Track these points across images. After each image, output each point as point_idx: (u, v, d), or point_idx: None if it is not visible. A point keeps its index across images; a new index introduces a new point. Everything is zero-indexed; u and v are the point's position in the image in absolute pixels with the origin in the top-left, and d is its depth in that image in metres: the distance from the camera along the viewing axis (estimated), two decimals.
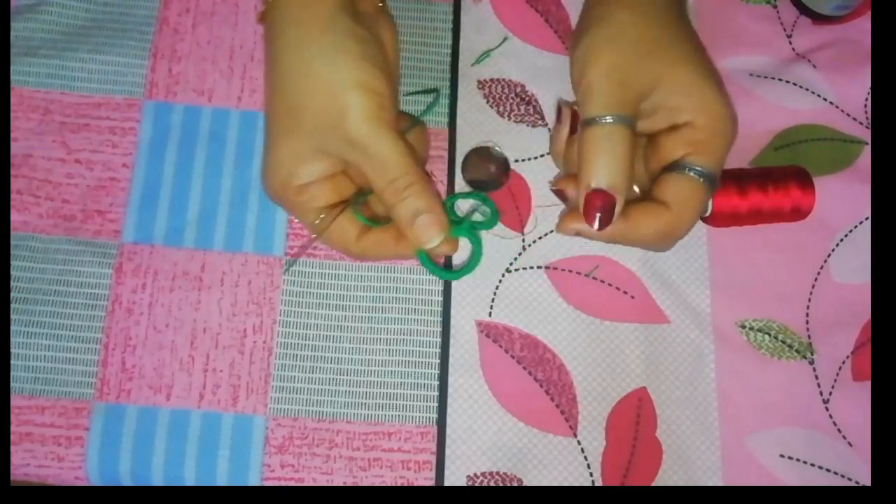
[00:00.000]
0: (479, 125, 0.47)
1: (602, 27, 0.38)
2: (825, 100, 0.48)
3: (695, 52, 0.39)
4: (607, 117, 0.37)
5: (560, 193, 0.42)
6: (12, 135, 0.45)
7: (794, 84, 0.48)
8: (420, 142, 0.42)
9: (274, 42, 0.39)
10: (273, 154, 0.39)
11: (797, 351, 0.45)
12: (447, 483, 0.42)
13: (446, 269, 0.44)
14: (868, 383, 0.44)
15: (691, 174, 0.37)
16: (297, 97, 0.38)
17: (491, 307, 0.44)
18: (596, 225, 0.37)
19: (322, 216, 0.40)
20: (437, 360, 0.44)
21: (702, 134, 0.38)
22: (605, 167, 0.36)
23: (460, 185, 0.46)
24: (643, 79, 0.37)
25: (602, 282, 0.45)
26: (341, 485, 0.42)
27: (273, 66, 0.39)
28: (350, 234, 0.40)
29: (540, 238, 0.45)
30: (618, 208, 0.37)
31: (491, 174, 0.46)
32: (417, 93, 0.46)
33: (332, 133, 0.37)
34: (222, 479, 0.41)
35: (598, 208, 0.36)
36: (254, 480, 0.41)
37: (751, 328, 0.45)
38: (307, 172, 0.39)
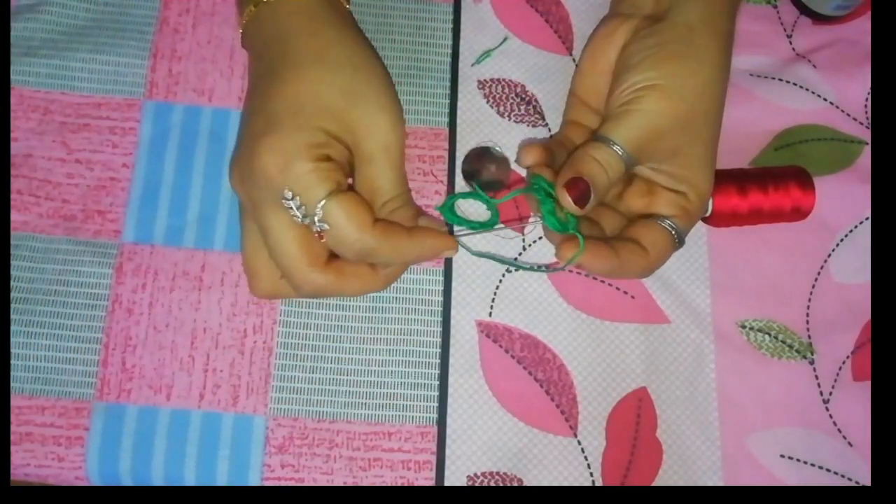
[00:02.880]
0: (479, 125, 0.47)
1: (676, 73, 0.39)
2: (825, 100, 0.48)
3: (716, 133, 0.41)
4: (619, 149, 0.39)
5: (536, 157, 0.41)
6: (13, 135, 0.45)
7: (795, 84, 0.49)
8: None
9: (322, 32, 0.40)
10: (301, 112, 0.37)
11: (797, 351, 0.45)
12: (447, 483, 0.42)
13: (472, 221, 0.42)
14: (868, 383, 0.44)
15: (672, 231, 0.40)
16: (367, 72, 0.39)
17: (491, 307, 0.44)
18: (573, 205, 0.38)
19: (329, 194, 0.36)
20: (438, 360, 0.44)
21: (691, 206, 0.41)
22: (594, 170, 0.39)
23: (460, 184, 0.46)
24: (667, 145, 0.39)
25: (602, 282, 0.45)
26: (341, 485, 0.42)
27: (332, 47, 0.39)
28: (368, 215, 0.37)
29: (540, 238, 0.45)
30: (590, 205, 0.38)
31: (491, 174, 0.46)
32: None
33: (370, 128, 0.38)
34: (222, 479, 0.41)
35: (579, 190, 0.38)
36: (254, 480, 0.41)
37: (751, 328, 0.45)
38: (336, 148, 0.38)
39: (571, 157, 0.39)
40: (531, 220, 0.44)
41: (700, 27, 0.40)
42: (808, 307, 0.45)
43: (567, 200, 0.38)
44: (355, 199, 0.37)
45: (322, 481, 0.42)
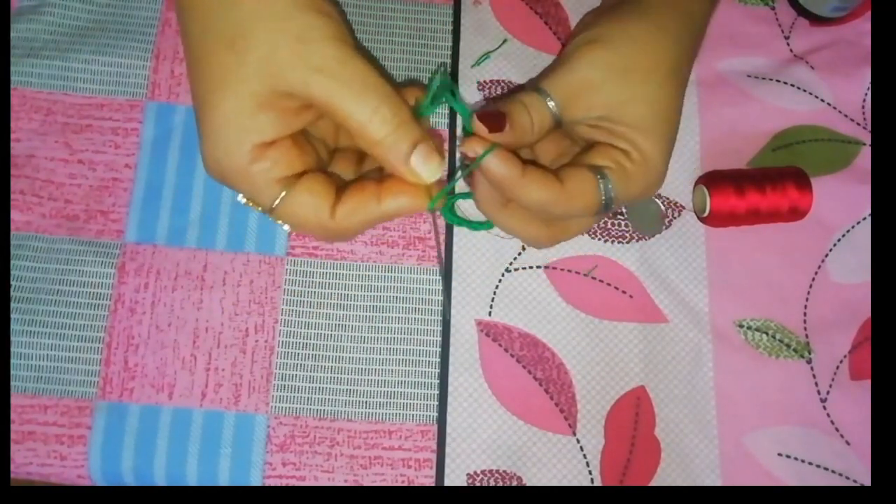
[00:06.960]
0: None
1: (613, 27, 0.38)
2: (823, 101, 0.49)
3: (664, 97, 0.38)
4: (551, 102, 0.37)
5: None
6: (15, 135, 0.45)
7: (792, 85, 0.49)
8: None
9: None
10: (213, 112, 0.32)
11: (795, 350, 0.45)
12: (447, 481, 0.42)
13: (472, 221, 0.41)
14: (865, 382, 0.45)
15: (600, 181, 0.37)
16: (238, 24, 0.32)
17: (491, 306, 0.45)
18: (481, 128, 0.36)
19: (283, 194, 0.33)
20: (438, 359, 0.44)
21: (631, 166, 0.37)
22: (517, 109, 0.37)
23: (461, 185, 0.46)
24: (602, 99, 0.37)
25: (601, 281, 0.45)
26: (342, 483, 0.42)
27: None
28: (324, 206, 0.34)
29: None
30: (504, 137, 0.36)
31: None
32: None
33: (291, 63, 0.32)
34: (224, 477, 0.42)
35: (492, 116, 0.36)
36: (255, 479, 0.42)
37: (749, 327, 0.45)
38: (263, 125, 0.32)
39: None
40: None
41: (655, 0, 0.39)
42: (806, 306, 0.46)
43: (481, 127, 0.35)
44: (304, 197, 0.34)
45: (323, 479, 0.42)
